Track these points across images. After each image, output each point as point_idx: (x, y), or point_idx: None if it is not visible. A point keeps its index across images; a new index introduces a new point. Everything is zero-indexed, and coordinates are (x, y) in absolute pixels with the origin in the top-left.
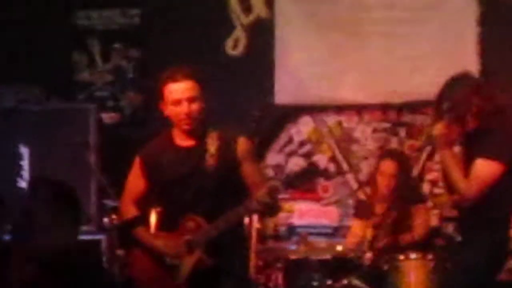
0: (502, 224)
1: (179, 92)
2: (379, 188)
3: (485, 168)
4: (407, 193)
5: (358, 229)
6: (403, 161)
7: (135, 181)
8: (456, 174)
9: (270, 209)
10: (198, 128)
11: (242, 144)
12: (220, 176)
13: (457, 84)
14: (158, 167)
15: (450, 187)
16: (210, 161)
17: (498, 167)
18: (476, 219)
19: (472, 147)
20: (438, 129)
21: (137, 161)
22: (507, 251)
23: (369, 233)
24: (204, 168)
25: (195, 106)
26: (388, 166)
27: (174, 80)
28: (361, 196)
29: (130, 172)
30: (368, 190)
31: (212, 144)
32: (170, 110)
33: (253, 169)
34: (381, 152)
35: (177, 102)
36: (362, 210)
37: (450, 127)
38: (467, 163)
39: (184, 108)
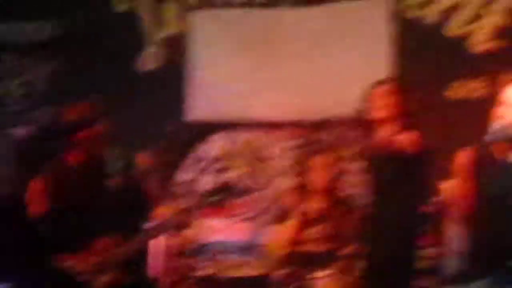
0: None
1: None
2: (313, 184)
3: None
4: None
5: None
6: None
7: (37, 201)
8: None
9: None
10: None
11: (144, 159)
12: (124, 193)
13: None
14: (61, 188)
15: None
16: (114, 179)
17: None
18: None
19: None
20: None
21: (37, 181)
22: None
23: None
24: (108, 187)
25: (90, 127)
26: (319, 159)
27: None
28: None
29: (30, 191)
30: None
31: (116, 163)
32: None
33: (155, 185)
34: (307, 152)
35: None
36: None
37: None
38: None
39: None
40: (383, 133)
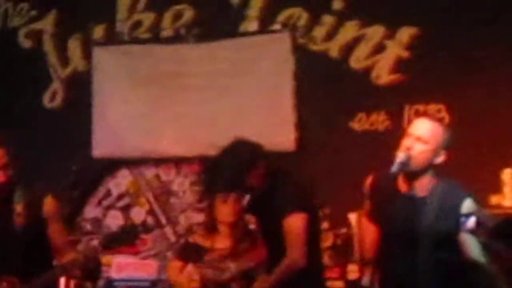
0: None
1: None
2: (220, 218)
3: (296, 224)
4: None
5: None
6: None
7: None
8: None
9: (87, 273)
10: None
11: (49, 204)
12: (29, 235)
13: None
14: None
15: None
16: (17, 220)
17: (304, 217)
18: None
19: (267, 210)
20: None
21: None
22: None
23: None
24: (12, 228)
25: (7, 173)
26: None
27: None
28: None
29: None
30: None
31: (19, 203)
32: None
33: (58, 231)
34: None
35: None
36: (190, 253)
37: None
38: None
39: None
40: None
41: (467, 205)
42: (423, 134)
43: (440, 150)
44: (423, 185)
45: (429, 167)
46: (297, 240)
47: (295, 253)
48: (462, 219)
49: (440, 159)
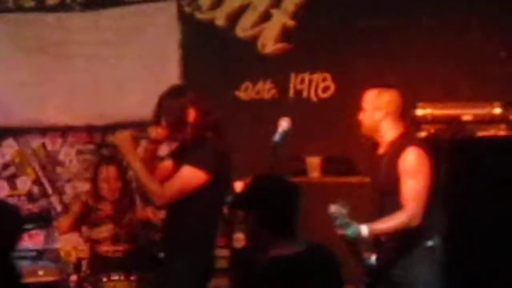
0: (206, 241)
1: None
2: (103, 195)
3: (187, 173)
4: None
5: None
6: (122, 166)
7: None
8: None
9: None
10: None
11: None
12: None
13: (174, 94)
14: None
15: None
16: None
17: (201, 175)
18: (178, 236)
19: (184, 158)
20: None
21: None
22: (212, 269)
23: (75, 254)
24: None
25: None
26: (109, 170)
27: None
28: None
29: None
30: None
31: None
32: None
33: None
34: (97, 160)
35: None
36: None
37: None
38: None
39: None
40: None
41: (405, 155)
42: (363, 104)
43: (376, 110)
44: (384, 143)
45: (374, 127)
46: (175, 182)
47: (165, 187)
48: None
49: (377, 116)
